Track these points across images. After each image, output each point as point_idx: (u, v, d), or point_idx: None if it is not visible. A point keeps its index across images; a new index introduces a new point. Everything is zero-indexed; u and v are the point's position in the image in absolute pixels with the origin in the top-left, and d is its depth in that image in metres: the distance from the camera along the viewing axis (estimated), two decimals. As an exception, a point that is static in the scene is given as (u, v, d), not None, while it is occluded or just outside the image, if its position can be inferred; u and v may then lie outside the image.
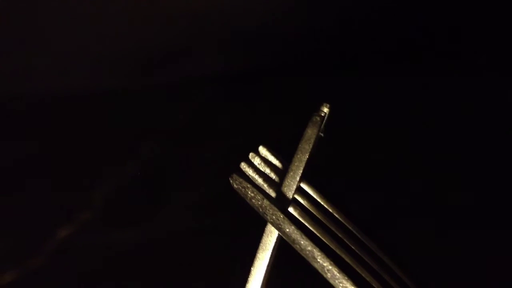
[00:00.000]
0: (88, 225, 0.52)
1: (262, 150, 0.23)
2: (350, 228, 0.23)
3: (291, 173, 0.21)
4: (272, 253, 0.21)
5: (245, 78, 0.86)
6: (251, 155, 0.23)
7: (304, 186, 0.24)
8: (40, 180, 0.63)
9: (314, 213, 0.22)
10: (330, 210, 0.23)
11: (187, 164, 0.67)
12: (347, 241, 0.22)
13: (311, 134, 0.20)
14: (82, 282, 0.46)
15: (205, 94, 0.83)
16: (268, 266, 0.21)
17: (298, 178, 0.21)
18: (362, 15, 0.83)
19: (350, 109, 0.74)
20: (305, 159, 0.21)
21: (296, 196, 0.23)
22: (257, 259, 0.21)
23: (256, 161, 0.23)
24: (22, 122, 0.76)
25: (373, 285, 0.21)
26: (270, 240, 0.21)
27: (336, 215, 0.23)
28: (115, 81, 0.83)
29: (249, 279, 0.21)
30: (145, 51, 0.85)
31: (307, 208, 0.22)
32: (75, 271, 0.46)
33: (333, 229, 0.22)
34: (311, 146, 0.20)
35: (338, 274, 0.20)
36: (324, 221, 0.22)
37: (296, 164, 0.21)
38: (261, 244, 0.21)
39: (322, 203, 0.23)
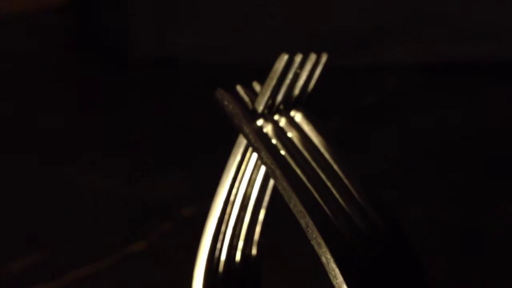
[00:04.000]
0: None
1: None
2: (321, 152, 0.30)
3: (261, 95, 0.28)
4: (244, 149, 0.29)
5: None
6: (254, 83, 0.31)
7: (294, 114, 0.31)
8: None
9: (289, 133, 0.30)
10: (311, 136, 0.30)
11: (362, 142, 0.75)
12: (309, 158, 0.29)
13: (277, 67, 0.28)
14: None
15: (399, 81, 0.89)
16: (241, 160, 0.29)
17: (266, 98, 0.28)
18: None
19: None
20: (273, 84, 0.28)
21: (276, 118, 0.30)
22: (232, 154, 0.29)
23: (257, 88, 0.31)
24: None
25: (315, 192, 0.28)
26: (242, 140, 0.29)
27: (313, 140, 0.30)
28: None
29: (225, 168, 0.29)
30: (351, 33, 0.92)
31: (282, 129, 0.30)
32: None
33: (300, 147, 0.29)
34: (277, 75, 0.28)
35: (271, 166, 0.27)
36: (293, 140, 0.29)
37: (265, 87, 0.28)
38: (236, 143, 0.29)
39: (304, 129, 0.31)
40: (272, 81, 0.28)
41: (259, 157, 0.27)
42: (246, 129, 0.28)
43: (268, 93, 0.28)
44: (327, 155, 0.30)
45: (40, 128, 0.81)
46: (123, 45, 0.89)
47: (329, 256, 0.26)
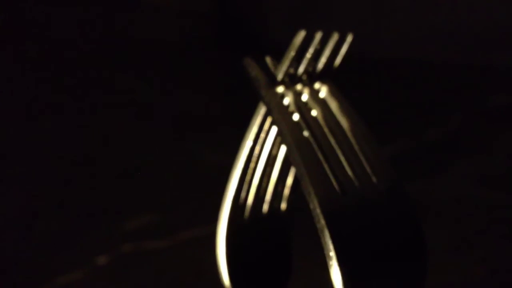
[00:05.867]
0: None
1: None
2: (337, 120, 0.34)
3: (281, 64, 0.33)
4: (266, 113, 0.33)
5: None
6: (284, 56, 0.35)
7: (318, 85, 0.35)
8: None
9: (308, 101, 0.34)
10: (331, 106, 0.34)
11: (486, 141, 0.77)
12: (322, 124, 0.33)
13: (296, 42, 0.32)
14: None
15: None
16: (262, 121, 0.34)
17: (284, 67, 0.33)
18: None
19: None
20: (292, 54, 0.33)
21: (299, 88, 0.34)
22: (254, 116, 0.34)
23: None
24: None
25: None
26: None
27: (332, 109, 0.34)
28: (459, 55, 0.92)
29: (247, 128, 0.34)
30: (492, 32, 0.92)
31: (301, 96, 0.34)
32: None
33: (315, 113, 0.33)
34: (295, 47, 0.32)
35: (280, 124, 0.31)
36: (310, 107, 0.33)
37: (285, 57, 0.33)
38: (257, 107, 0.34)
39: (325, 99, 0.35)
40: (291, 52, 0.33)
41: (271, 116, 0.32)
42: (263, 92, 0.32)
43: (287, 63, 0.33)
44: (343, 123, 0.34)
45: (179, 109, 0.89)
46: (262, 32, 0.94)
47: (316, 202, 0.30)
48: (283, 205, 0.36)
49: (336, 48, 0.34)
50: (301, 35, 0.32)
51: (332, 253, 0.29)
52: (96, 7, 1.11)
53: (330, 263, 0.29)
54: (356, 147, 0.33)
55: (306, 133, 0.32)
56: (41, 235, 0.65)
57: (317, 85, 0.35)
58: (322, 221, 0.30)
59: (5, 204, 0.69)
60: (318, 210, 0.30)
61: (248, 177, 0.35)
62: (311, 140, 0.32)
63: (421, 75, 0.95)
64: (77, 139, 0.81)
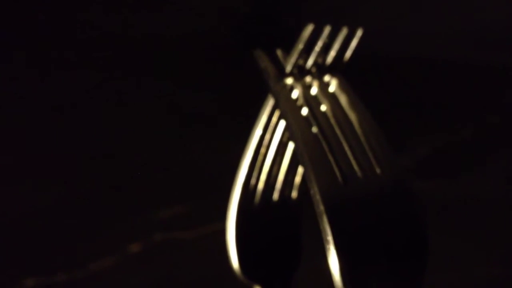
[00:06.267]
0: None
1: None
2: (345, 112, 0.35)
3: (290, 56, 0.34)
4: (274, 105, 0.35)
5: None
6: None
7: (328, 78, 0.36)
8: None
9: (317, 94, 0.35)
10: (339, 99, 0.35)
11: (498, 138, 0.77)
12: (329, 115, 0.34)
13: (304, 35, 0.34)
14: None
15: None
16: (270, 113, 0.35)
17: (293, 59, 0.34)
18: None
19: None
20: (300, 47, 0.34)
21: (308, 80, 0.35)
22: (264, 106, 0.35)
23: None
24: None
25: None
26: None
27: (341, 102, 0.35)
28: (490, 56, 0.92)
29: (257, 118, 0.35)
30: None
31: (310, 88, 0.35)
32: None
33: (324, 105, 0.34)
34: (303, 40, 0.34)
35: (286, 115, 0.33)
36: (319, 99, 0.35)
37: (293, 50, 0.34)
38: (267, 98, 0.35)
39: (335, 92, 0.36)
40: (299, 45, 0.34)
41: (279, 108, 0.33)
42: (271, 83, 0.33)
43: (295, 55, 0.34)
44: (352, 117, 0.34)
45: (181, 109, 0.91)
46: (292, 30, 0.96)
47: (316, 188, 0.31)
48: (294, 194, 0.38)
49: (346, 42, 0.35)
50: (309, 28, 0.34)
51: (329, 238, 0.30)
52: (96, 7, 1.13)
53: (327, 247, 0.30)
54: (363, 139, 0.34)
55: (312, 125, 0.33)
56: (75, 223, 0.67)
57: (326, 78, 0.36)
58: (321, 207, 0.31)
59: (39, 193, 0.71)
60: (318, 196, 0.31)
61: (258, 164, 0.36)
62: (317, 132, 0.33)
63: (446, 75, 0.95)
64: (83, 139, 0.83)
